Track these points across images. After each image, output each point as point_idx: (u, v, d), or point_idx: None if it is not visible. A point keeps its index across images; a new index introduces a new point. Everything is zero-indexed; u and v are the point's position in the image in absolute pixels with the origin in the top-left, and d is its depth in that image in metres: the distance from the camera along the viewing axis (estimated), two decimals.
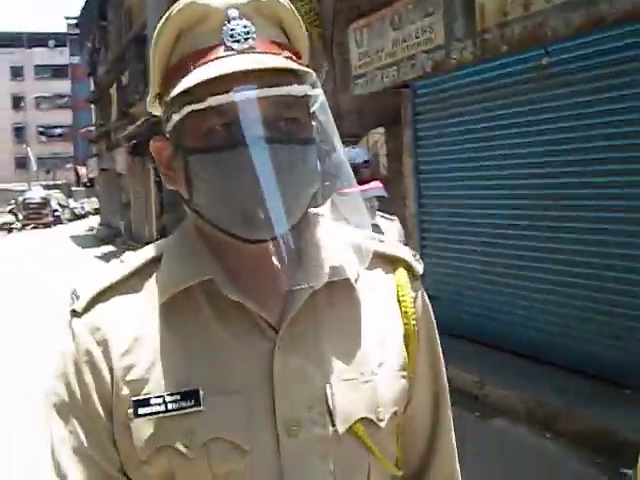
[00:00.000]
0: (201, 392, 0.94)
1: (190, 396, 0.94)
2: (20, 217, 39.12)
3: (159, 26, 0.98)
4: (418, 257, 1.13)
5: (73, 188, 55.71)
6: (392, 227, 3.15)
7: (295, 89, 0.94)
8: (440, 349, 1.15)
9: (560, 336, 5.63)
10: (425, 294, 1.13)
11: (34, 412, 5.53)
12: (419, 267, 1.11)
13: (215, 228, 0.97)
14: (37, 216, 39.39)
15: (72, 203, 48.46)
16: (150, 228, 21.53)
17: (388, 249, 1.10)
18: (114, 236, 26.81)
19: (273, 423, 0.95)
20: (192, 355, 0.97)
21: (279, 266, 0.94)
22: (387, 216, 3.19)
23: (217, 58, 0.93)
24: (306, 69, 0.95)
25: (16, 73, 65.90)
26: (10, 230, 35.57)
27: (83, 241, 27.45)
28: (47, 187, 49.28)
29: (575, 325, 5.53)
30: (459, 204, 6.88)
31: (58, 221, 41.06)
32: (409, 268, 1.10)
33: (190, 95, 0.92)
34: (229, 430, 0.94)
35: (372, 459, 1.00)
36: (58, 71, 63.83)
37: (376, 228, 2.90)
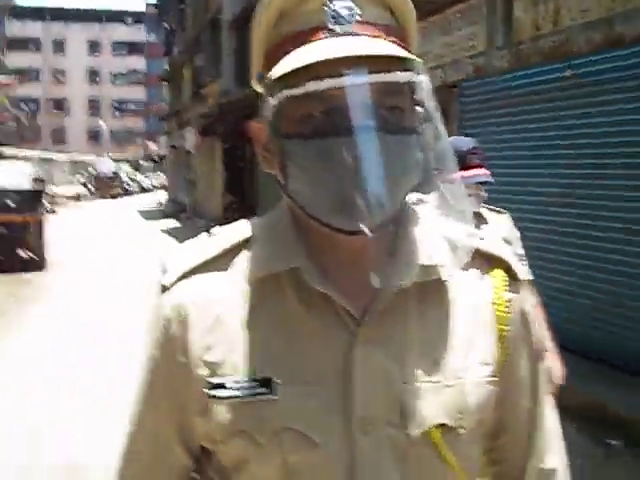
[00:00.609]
0: (277, 381, 0.92)
1: (265, 383, 0.92)
2: (91, 188, 40.58)
3: (260, 4, 0.93)
4: (524, 260, 1.17)
5: (141, 162, 56.93)
6: (501, 221, 2.98)
7: (399, 76, 0.88)
8: (541, 352, 1.08)
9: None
10: (529, 298, 1.05)
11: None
12: (521, 269, 1.04)
13: (310, 217, 0.93)
14: (107, 187, 40.75)
15: (140, 177, 49.87)
16: (214, 206, 22.25)
17: (487, 247, 1.03)
18: (179, 212, 27.61)
19: (347, 419, 0.92)
20: (272, 342, 0.95)
21: (370, 261, 0.91)
22: (496, 209, 3.04)
23: (318, 39, 0.89)
24: (410, 56, 0.89)
25: (93, 48, 67.56)
26: (79, 199, 36.80)
27: (149, 214, 28.40)
28: (117, 160, 50.57)
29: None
30: (498, 190, 7.56)
31: (126, 193, 42.52)
32: (508, 269, 1.02)
33: (288, 78, 0.87)
34: (301, 421, 0.92)
35: (448, 469, 0.95)
36: (134, 48, 65.26)
37: (481, 219, 2.92)
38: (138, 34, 63.55)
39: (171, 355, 0.98)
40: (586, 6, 5.66)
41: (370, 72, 0.85)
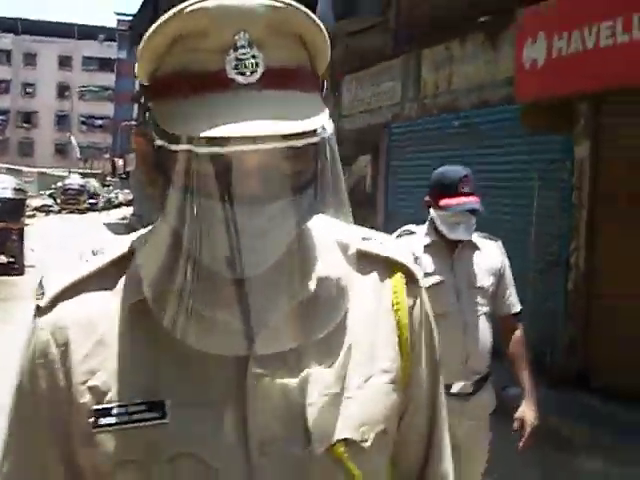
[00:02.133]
0: (167, 403, 0.87)
1: (155, 407, 0.87)
2: (58, 201, 41.03)
3: (152, 28, 0.82)
4: (418, 261, 1.19)
5: (108, 178, 56.66)
6: (492, 244, 3.03)
7: (306, 140, 0.80)
8: (438, 356, 1.06)
9: None
10: (426, 301, 1.03)
11: None
12: (418, 272, 1.02)
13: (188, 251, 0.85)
14: (74, 201, 41.15)
15: (107, 192, 50.01)
16: None
17: (384, 251, 1.00)
18: (144, 226, 27.57)
19: (245, 440, 0.87)
20: (160, 362, 0.89)
21: (252, 297, 0.87)
22: (489, 236, 3.06)
23: (222, 91, 0.79)
24: (321, 121, 0.82)
25: (64, 63, 67.87)
26: (48, 212, 37.39)
27: (116, 228, 28.64)
28: (84, 175, 50.83)
29: None
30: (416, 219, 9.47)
31: (93, 208, 42.78)
32: (407, 273, 1.00)
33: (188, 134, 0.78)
34: (196, 445, 0.86)
35: None
36: (104, 64, 65.50)
37: (474, 246, 2.97)
38: (109, 50, 64.30)
39: (51, 383, 0.90)
40: (468, 74, 7.59)
41: (274, 141, 0.78)
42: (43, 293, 0.94)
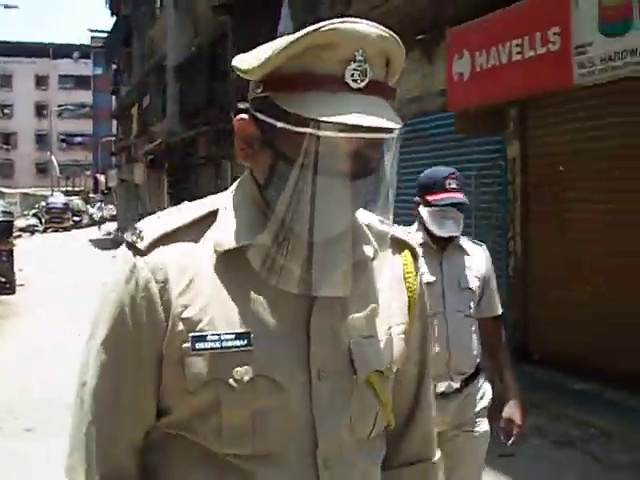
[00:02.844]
0: (252, 334, 1.06)
1: (243, 336, 1.05)
2: (43, 221, 40.69)
3: (297, 34, 1.01)
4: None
5: (91, 195, 56.13)
6: (479, 250, 3.11)
7: (391, 135, 1.05)
8: (428, 319, 1.32)
9: None
10: (420, 270, 1.28)
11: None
12: (418, 249, 1.30)
13: (276, 218, 1.06)
14: (59, 220, 41.10)
15: (90, 209, 49.65)
16: None
17: (397, 233, 1.24)
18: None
19: (307, 368, 1.08)
20: (243, 301, 1.07)
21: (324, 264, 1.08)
22: (476, 241, 3.18)
23: (338, 91, 1.01)
24: (400, 123, 1.04)
25: (40, 82, 67.63)
26: (33, 232, 37.22)
27: (101, 244, 29.52)
28: (67, 193, 50.79)
29: None
30: None
31: (77, 225, 42.90)
32: (412, 251, 1.27)
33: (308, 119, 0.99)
34: (272, 369, 1.06)
35: (379, 406, 1.16)
36: (81, 82, 64.78)
37: (463, 251, 3.04)
38: (85, 68, 63.97)
39: (151, 312, 1.06)
40: (409, 87, 8.39)
41: (382, 132, 1.03)
42: (140, 237, 1.09)
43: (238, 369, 1.05)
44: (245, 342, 1.05)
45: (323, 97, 1.02)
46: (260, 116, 1.07)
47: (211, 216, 1.13)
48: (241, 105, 1.12)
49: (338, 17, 1.03)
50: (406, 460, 1.30)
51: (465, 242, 3.10)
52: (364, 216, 1.18)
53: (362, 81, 1.03)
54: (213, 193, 1.19)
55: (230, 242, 1.09)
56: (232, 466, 1.07)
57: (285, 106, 1.03)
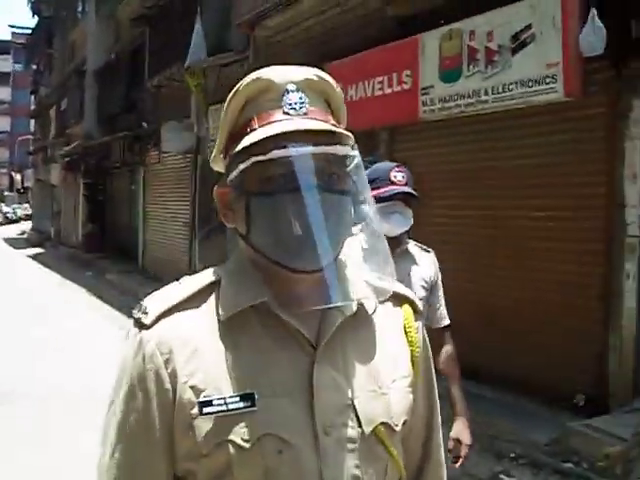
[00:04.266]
0: (256, 394, 1.09)
1: (247, 398, 1.08)
2: None
3: (229, 97, 1.15)
4: (419, 297, 1.35)
5: (6, 193, 55.72)
6: (427, 257, 3.06)
7: (339, 149, 1.11)
8: (433, 369, 1.34)
9: None
10: (423, 327, 1.32)
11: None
12: (420, 305, 1.32)
13: (267, 260, 1.12)
14: None
15: (4, 208, 49.26)
16: (77, 234, 24.19)
17: (396, 289, 1.27)
18: (44, 240, 29.21)
19: (312, 423, 1.10)
20: (246, 364, 1.11)
21: (319, 291, 1.10)
22: (424, 247, 3.11)
23: (278, 121, 1.10)
24: (347, 133, 1.13)
25: None
26: None
27: (15, 243, 29.85)
28: None
29: None
30: None
31: None
32: (412, 304, 1.29)
33: (255, 149, 1.08)
34: (278, 427, 1.09)
35: (389, 458, 1.16)
36: None
37: (411, 260, 2.96)
38: (4, 64, 62.57)
39: (158, 383, 1.11)
40: None
41: (318, 145, 1.07)
42: (145, 313, 1.13)
43: (245, 430, 1.08)
44: (249, 403, 1.09)
45: (267, 129, 1.10)
46: (230, 176, 1.14)
47: (213, 285, 1.18)
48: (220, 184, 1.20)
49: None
50: None
51: (413, 248, 3.04)
52: (362, 273, 1.23)
53: (301, 107, 1.12)
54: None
55: (231, 308, 1.13)
56: None
57: (240, 148, 1.11)
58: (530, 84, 5.80)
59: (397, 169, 2.91)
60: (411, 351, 1.25)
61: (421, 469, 1.34)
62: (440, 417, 1.37)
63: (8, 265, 19.69)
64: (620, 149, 5.61)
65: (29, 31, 37.52)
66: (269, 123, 1.11)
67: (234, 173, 1.13)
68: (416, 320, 1.29)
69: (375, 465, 1.15)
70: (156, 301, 1.16)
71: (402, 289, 1.30)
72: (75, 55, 25.68)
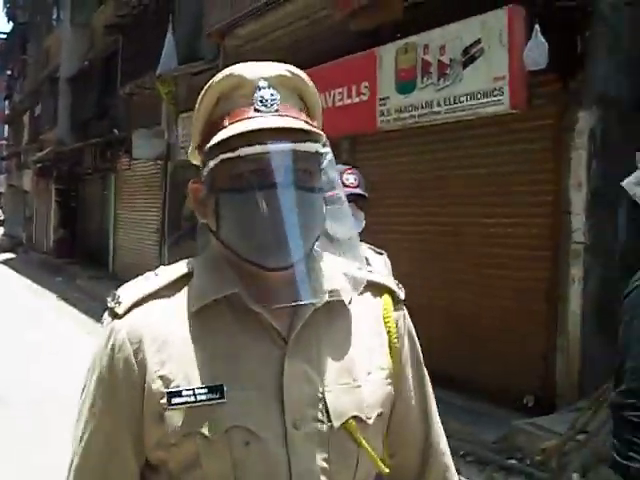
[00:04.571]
0: (224, 387, 1.08)
1: (216, 390, 1.08)
2: None
3: (202, 92, 1.15)
4: (400, 285, 1.29)
5: None
6: (379, 260, 3.14)
7: (309, 146, 1.10)
8: (422, 358, 1.30)
9: None
10: (408, 316, 1.28)
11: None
12: (401, 293, 1.28)
13: (237, 257, 1.12)
14: None
15: None
16: (48, 240, 24.29)
17: (375, 278, 1.26)
18: (16, 245, 29.15)
19: (282, 417, 1.10)
20: (216, 356, 1.11)
21: (291, 288, 1.10)
22: (377, 250, 3.18)
23: (248, 118, 1.10)
24: (318, 131, 1.12)
25: None
26: None
27: None
28: None
29: None
30: None
31: None
32: (392, 294, 1.26)
33: (224, 146, 1.07)
34: (247, 420, 1.08)
35: (360, 452, 1.14)
36: None
37: (365, 261, 2.89)
38: None
39: (127, 372, 1.10)
40: None
41: (288, 142, 1.07)
42: (118, 302, 1.14)
43: (212, 421, 1.08)
44: (218, 395, 1.08)
45: (236, 127, 1.09)
46: (203, 172, 1.15)
47: (188, 277, 1.17)
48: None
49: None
50: None
51: (366, 251, 3.05)
52: (340, 264, 1.23)
53: (272, 104, 1.12)
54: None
55: (202, 299, 1.13)
56: None
57: (209, 145, 1.10)
58: (478, 96, 6.07)
59: (349, 171, 2.95)
60: (389, 341, 1.23)
61: (425, 460, 1.31)
62: (435, 406, 1.33)
63: None
64: (566, 159, 5.87)
65: (4, 36, 37.45)
66: (239, 120, 1.10)
67: (205, 170, 1.14)
68: (396, 310, 1.26)
69: (345, 459, 1.14)
70: (129, 291, 1.16)
71: (382, 278, 1.29)
72: (49, 62, 25.74)
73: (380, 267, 3.05)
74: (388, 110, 7.05)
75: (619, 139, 5.73)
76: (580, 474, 4.21)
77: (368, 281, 1.24)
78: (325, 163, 1.16)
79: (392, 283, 1.29)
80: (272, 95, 1.12)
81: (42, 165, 24.56)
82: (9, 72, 37.28)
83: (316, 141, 1.12)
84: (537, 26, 5.44)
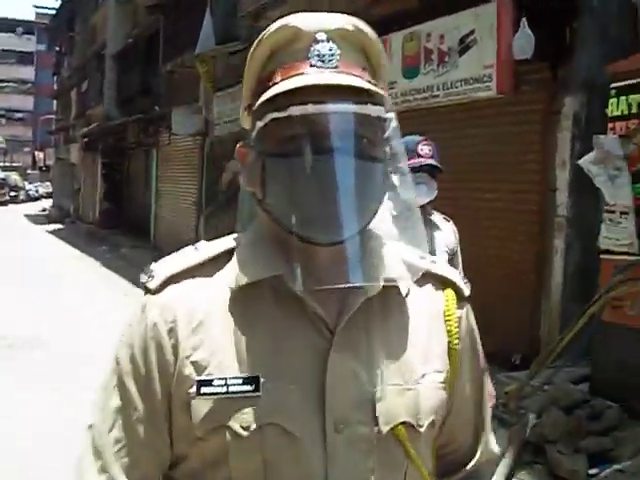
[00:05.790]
0: (261, 379, 0.98)
1: (250, 381, 0.98)
2: None
3: (254, 45, 1.03)
4: (466, 280, 1.15)
5: (29, 171, 56.54)
6: (448, 226, 3.11)
7: (372, 109, 0.97)
8: (484, 364, 1.17)
9: None
10: (471, 315, 1.15)
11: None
12: (466, 289, 1.14)
13: (283, 229, 1.00)
14: None
15: (27, 185, 49.87)
16: (94, 211, 25.25)
17: (439, 270, 1.13)
18: (63, 217, 30.27)
19: (322, 417, 0.98)
20: (254, 343, 1.00)
21: (340, 267, 0.98)
22: (445, 217, 3.15)
23: (302, 73, 0.98)
24: (383, 93, 0.99)
25: None
26: None
27: (36, 219, 30.82)
28: (4, 168, 50.62)
29: None
30: None
31: (14, 200, 43.33)
32: (457, 289, 1.13)
33: (274, 104, 0.96)
34: (283, 417, 0.98)
35: (409, 462, 1.03)
36: (23, 57, 63.49)
37: (434, 226, 3.03)
38: (28, 44, 62.58)
39: (160, 354, 1.01)
40: None
41: (348, 102, 0.94)
42: (152, 277, 1.05)
43: (245, 416, 0.98)
44: (253, 387, 0.99)
45: (288, 82, 0.98)
46: (251, 135, 1.04)
47: (227, 254, 1.08)
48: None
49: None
50: None
51: (436, 216, 3.14)
52: (400, 249, 1.11)
53: (331, 59, 0.99)
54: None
55: (243, 279, 1.02)
56: None
57: (258, 103, 1.00)
58: (471, 82, 6.69)
59: (424, 142, 3.06)
60: (449, 342, 1.11)
61: (476, 470, 1.20)
62: (490, 416, 1.22)
63: (31, 241, 20.63)
64: (552, 141, 6.44)
65: (53, 12, 38.33)
66: (292, 76, 0.99)
67: (254, 131, 1.03)
68: (460, 307, 1.14)
69: (391, 470, 1.03)
70: (165, 265, 1.08)
71: (446, 271, 1.16)
72: (95, 39, 26.38)
73: (449, 232, 3.19)
74: (396, 94, 7.66)
75: (601, 123, 6.28)
76: (536, 415, 4.87)
77: (430, 272, 1.13)
78: (389, 131, 1.06)
79: (457, 277, 1.17)
80: (331, 50, 1.00)
81: (89, 139, 25.35)
82: (57, 48, 38.24)
83: (380, 104, 1.00)
84: (524, 19, 6.00)
